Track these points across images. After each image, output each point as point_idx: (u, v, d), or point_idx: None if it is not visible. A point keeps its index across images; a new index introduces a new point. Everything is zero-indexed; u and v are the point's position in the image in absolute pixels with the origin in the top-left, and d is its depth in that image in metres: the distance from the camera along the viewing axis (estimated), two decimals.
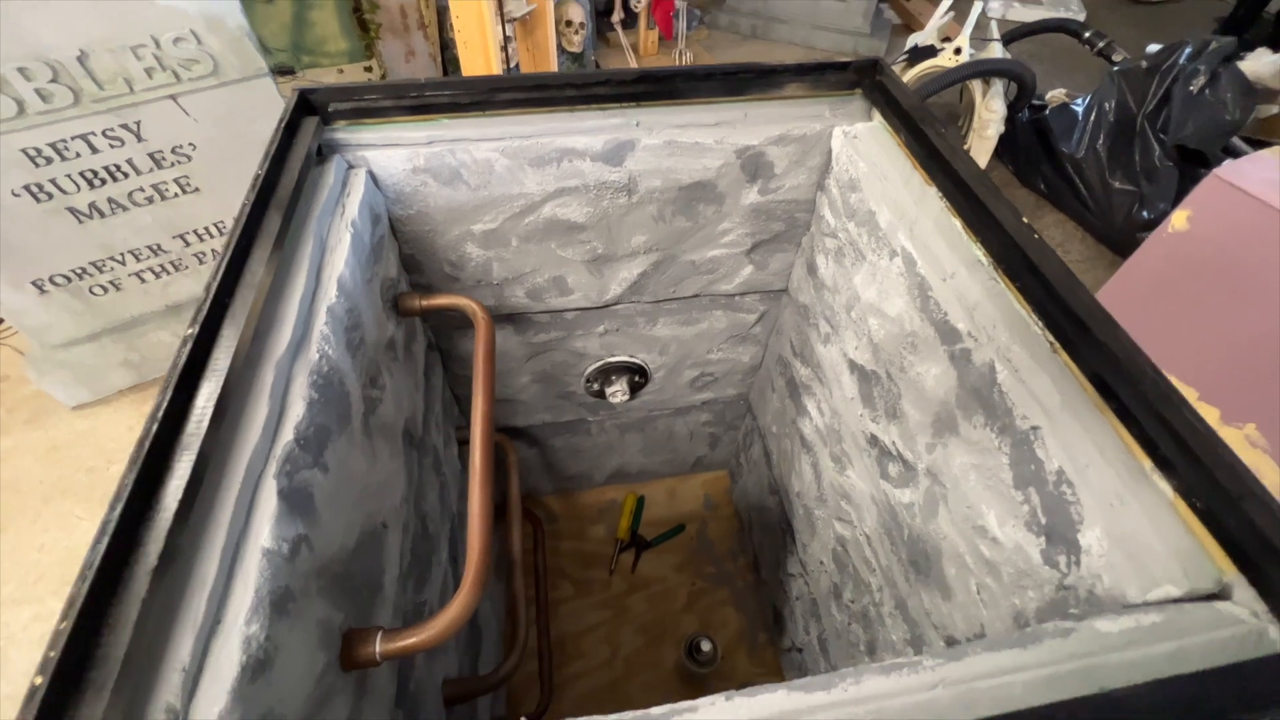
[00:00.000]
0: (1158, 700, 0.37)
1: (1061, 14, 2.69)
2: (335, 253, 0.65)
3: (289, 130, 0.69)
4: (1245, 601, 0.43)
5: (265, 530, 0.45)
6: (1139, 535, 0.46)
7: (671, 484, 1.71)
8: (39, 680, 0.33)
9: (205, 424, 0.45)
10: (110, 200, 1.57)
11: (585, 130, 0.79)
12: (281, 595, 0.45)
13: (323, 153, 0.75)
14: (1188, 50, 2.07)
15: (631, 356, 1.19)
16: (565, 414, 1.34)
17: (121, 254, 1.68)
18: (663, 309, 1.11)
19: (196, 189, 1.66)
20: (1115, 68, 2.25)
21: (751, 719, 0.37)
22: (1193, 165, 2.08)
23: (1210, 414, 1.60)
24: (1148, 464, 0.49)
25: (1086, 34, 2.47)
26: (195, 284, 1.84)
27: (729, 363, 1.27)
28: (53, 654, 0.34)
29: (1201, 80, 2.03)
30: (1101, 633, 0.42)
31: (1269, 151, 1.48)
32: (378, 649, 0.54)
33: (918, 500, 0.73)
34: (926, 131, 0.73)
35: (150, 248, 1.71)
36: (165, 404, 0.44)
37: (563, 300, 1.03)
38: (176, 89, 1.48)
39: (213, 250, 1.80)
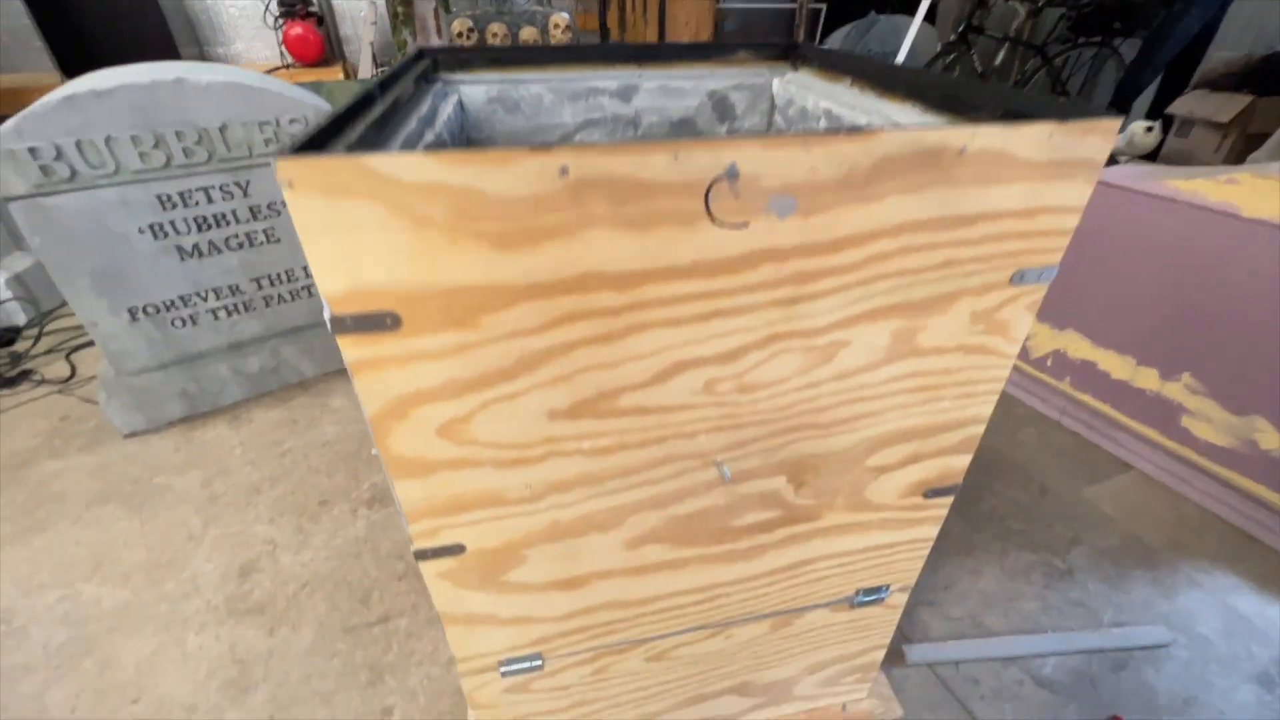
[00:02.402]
0: None
1: None
2: (442, 107, 0.98)
3: (414, 59, 1.06)
4: None
5: None
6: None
7: None
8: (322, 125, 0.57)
9: (380, 110, 0.73)
10: (210, 243, 1.94)
11: (605, 77, 1.17)
12: None
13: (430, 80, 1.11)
14: None
15: None
16: None
17: (205, 291, 2.00)
18: None
19: (278, 239, 2.04)
20: None
21: None
22: None
23: (1150, 375, 1.82)
24: (920, 107, 0.77)
25: None
26: (258, 324, 2.13)
27: None
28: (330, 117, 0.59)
29: None
30: None
31: (1119, 166, 1.93)
32: None
33: None
34: (832, 59, 1.11)
35: (230, 287, 2.03)
36: (364, 92, 0.73)
37: None
38: None
39: (279, 295, 2.13)
